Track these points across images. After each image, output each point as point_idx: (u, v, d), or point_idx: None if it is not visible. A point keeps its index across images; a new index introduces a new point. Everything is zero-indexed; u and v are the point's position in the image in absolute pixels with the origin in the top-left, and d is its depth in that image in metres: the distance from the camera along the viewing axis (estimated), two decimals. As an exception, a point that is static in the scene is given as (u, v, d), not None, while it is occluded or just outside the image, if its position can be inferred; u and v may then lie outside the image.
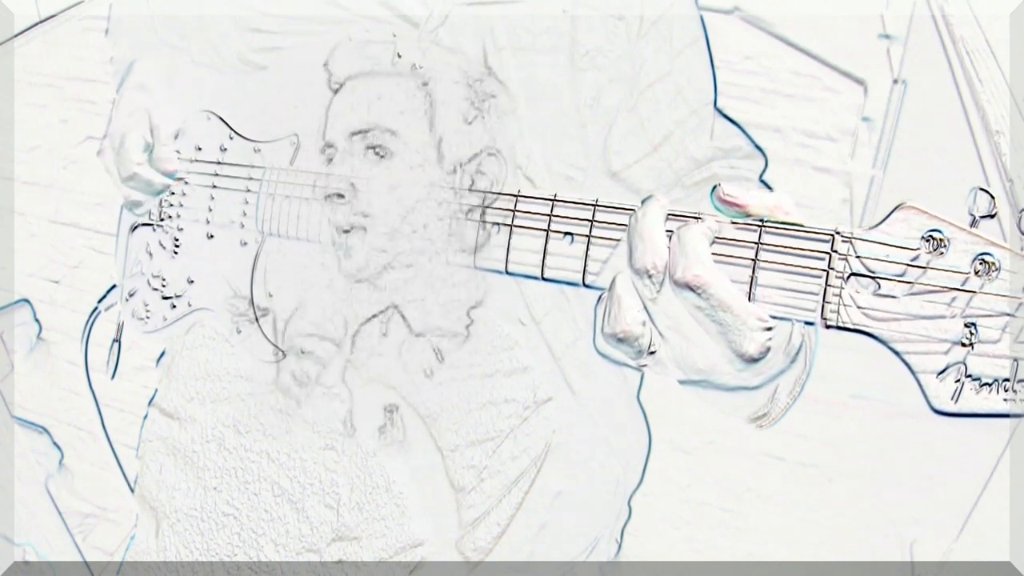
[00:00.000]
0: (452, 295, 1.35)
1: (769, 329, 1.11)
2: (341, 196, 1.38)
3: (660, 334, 1.16)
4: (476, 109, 1.32)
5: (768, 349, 1.11)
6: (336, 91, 1.41)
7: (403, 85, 1.36)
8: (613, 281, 1.19)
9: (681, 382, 1.19)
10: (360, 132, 1.38)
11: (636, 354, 1.18)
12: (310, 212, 1.42)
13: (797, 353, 1.14)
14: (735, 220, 1.14)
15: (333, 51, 1.41)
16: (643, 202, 1.19)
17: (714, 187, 1.15)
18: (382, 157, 1.36)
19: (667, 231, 1.16)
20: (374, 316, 1.40)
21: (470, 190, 1.31)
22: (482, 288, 1.33)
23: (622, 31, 1.26)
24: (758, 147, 1.20)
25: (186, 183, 1.54)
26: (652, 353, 1.17)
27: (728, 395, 1.17)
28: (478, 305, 1.34)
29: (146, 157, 1.54)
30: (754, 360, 1.12)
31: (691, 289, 1.12)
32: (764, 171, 1.20)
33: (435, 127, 1.34)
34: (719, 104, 1.22)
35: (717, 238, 1.14)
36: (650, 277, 1.14)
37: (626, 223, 1.20)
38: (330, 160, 1.40)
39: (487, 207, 1.30)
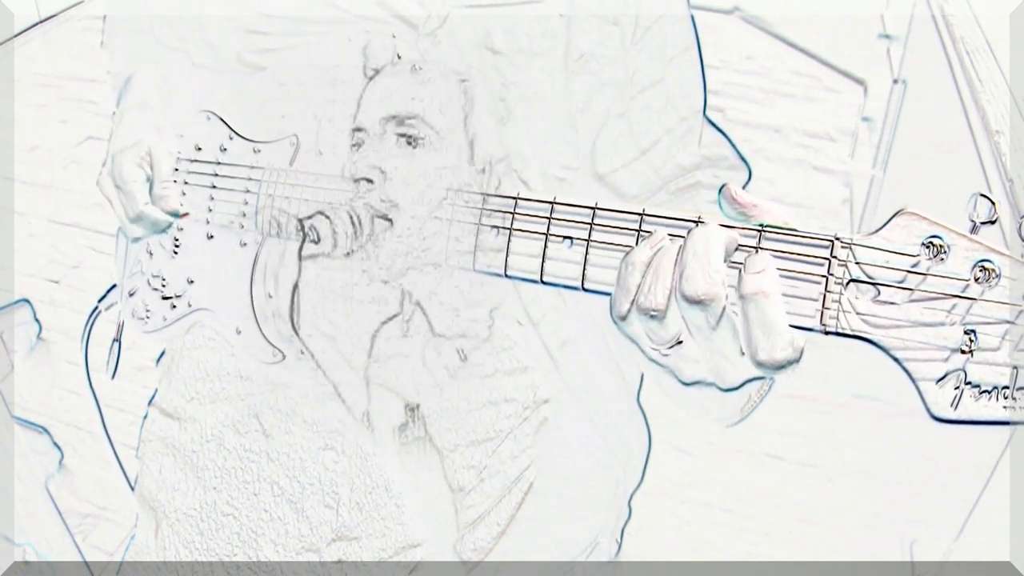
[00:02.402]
0: (476, 296, 1.34)
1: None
2: (370, 181, 1.37)
3: (689, 331, 1.14)
4: (509, 111, 1.32)
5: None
6: (371, 77, 1.39)
7: (442, 79, 1.35)
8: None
9: (683, 383, 1.19)
10: (395, 118, 1.37)
11: (669, 338, 1.15)
12: (310, 213, 1.42)
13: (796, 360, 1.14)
14: (733, 224, 1.13)
15: (372, 38, 1.40)
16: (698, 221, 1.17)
17: (723, 185, 1.15)
18: (414, 148, 1.35)
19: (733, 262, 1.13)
20: (395, 316, 1.40)
21: (496, 193, 1.31)
22: (502, 289, 1.33)
23: (616, 36, 1.25)
24: (743, 158, 1.20)
25: (186, 183, 1.54)
26: (680, 343, 1.15)
27: (704, 396, 1.16)
28: (500, 306, 1.34)
29: (148, 192, 1.54)
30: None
31: (699, 302, 1.11)
32: (747, 183, 1.20)
33: (470, 125, 1.33)
34: (718, 105, 1.21)
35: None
36: (703, 305, 1.12)
37: (627, 228, 1.20)
38: (359, 145, 1.39)
39: (500, 211, 1.30)
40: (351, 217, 1.38)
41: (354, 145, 1.40)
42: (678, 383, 1.17)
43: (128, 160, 1.54)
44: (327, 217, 1.39)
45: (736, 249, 1.12)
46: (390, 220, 1.36)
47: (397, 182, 1.36)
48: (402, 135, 1.36)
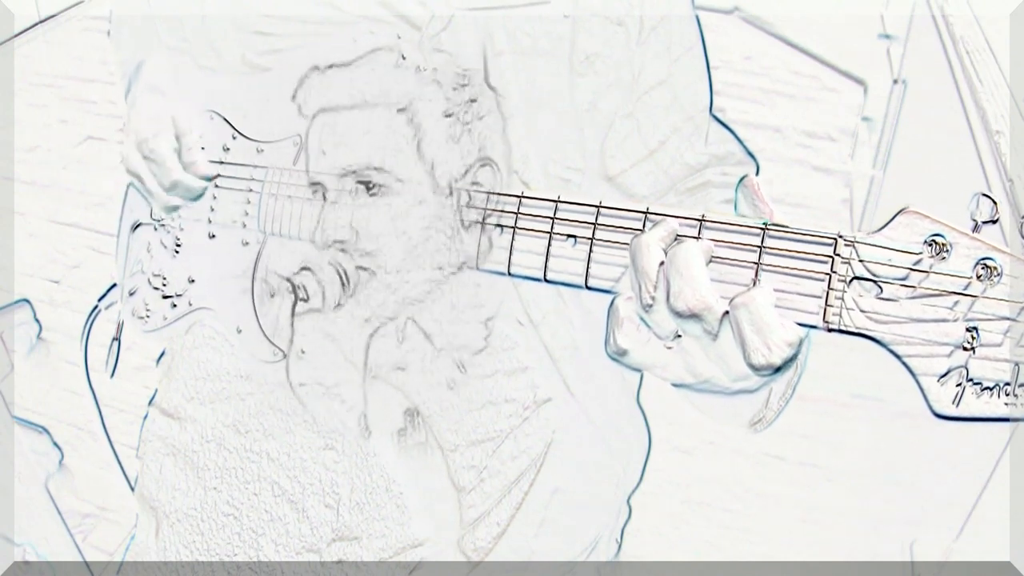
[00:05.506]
0: (470, 306, 1.34)
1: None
2: (342, 242, 1.38)
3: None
4: (461, 123, 1.32)
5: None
6: (313, 116, 1.41)
7: (382, 115, 1.36)
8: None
9: (677, 385, 1.19)
10: (350, 172, 1.38)
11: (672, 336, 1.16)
12: (312, 212, 1.42)
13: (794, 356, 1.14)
14: (736, 220, 1.14)
15: (300, 83, 1.41)
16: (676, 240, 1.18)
17: (744, 176, 1.15)
18: (375, 195, 1.36)
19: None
20: (389, 320, 1.40)
21: (468, 205, 1.31)
22: (498, 298, 1.33)
23: (621, 37, 1.26)
24: (750, 153, 1.20)
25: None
26: (679, 336, 1.17)
27: (726, 402, 1.17)
28: (496, 316, 1.34)
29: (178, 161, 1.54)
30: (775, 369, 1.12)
31: (693, 316, 1.13)
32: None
33: (424, 154, 1.34)
34: (718, 105, 1.22)
35: (715, 253, 1.14)
36: (698, 317, 1.14)
37: (631, 227, 1.20)
38: (321, 195, 1.40)
39: (491, 211, 1.30)
40: (337, 270, 1.38)
41: (313, 192, 1.41)
42: (707, 392, 1.18)
43: (156, 133, 1.54)
44: (313, 273, 1.40)
45: (710, 262, 1.14)
46: (372, 271, 1.37)
47: (368, 234, 1.36)
48: (361, 182, 1.36)
